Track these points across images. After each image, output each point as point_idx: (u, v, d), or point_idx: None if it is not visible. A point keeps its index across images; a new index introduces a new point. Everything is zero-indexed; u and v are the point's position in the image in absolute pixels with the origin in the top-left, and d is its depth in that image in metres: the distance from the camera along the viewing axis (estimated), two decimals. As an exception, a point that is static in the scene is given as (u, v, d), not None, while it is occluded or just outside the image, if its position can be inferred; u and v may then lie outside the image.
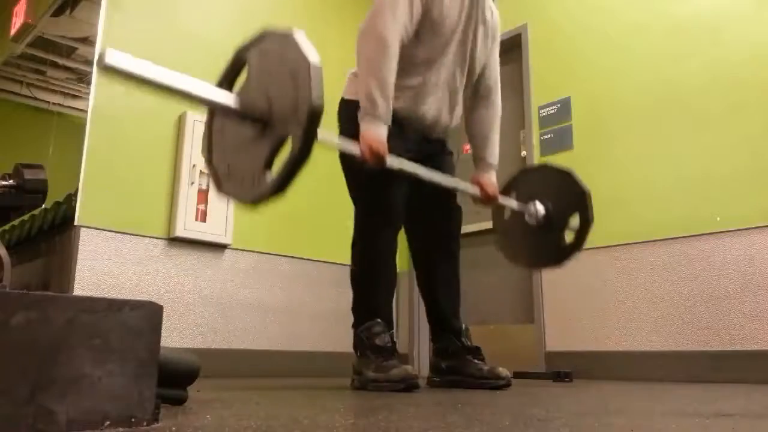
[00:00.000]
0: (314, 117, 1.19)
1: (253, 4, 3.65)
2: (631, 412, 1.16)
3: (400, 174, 1.86)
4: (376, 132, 1.80)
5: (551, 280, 3.29)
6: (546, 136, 3.47)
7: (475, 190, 2.13)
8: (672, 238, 2.88)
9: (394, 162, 1.80)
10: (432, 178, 1.93)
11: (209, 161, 1.47)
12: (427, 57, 1.99)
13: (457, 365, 2.05)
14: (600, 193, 3.26)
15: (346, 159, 1.98)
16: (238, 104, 1.30)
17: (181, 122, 3.13)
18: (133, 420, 0.69)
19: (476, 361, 2.04)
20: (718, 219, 2.75)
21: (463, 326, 2.13)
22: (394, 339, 1.95)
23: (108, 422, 0.66)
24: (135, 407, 0.69)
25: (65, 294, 1.60)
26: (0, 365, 0.61)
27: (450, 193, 2.17)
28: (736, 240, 2.69)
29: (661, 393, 1.77)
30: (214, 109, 1.48)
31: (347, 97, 2.09)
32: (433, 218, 2.17)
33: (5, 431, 0.59)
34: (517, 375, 2.65)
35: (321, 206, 3.62)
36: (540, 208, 2.24)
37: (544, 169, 2.47)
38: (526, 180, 2.40)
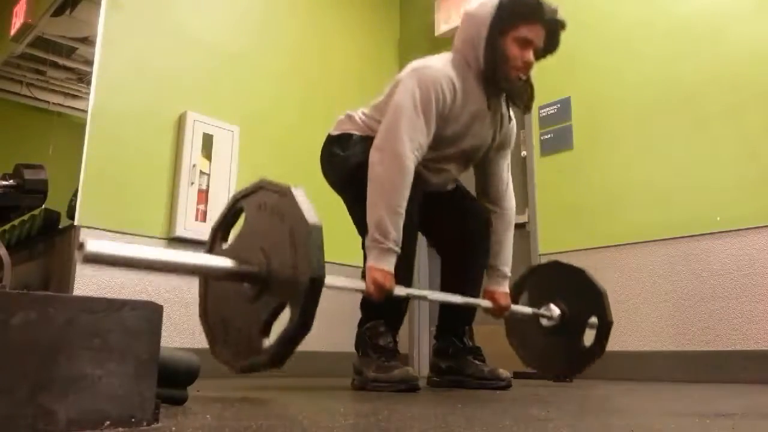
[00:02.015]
0: (315, 289, 1.15)
1: (253, 5, 3.64)
2: (631, 412, 1.16)
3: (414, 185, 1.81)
4: (384, 265, 1.71)
5: (551, 280, 3.28)
6: (546, 136, 3.47)
7: (487, 303, 2.07)
8: (672, 238, 2.88)
9: (401, 292, 1.72)
10: (442, 299, 1.94)
11: (204, 319, 1.39)
12: (435, 157, 1.97)
13: (458, 365, 2.05)
14: (600, 193, 3.28)
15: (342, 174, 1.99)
16: (234, 263, 1.22)
17: (181, 122, 3.13)
18: (133, 420, 0.69)
19: (477, 361, 2.04)
20: (718, 219, 2.75)
21: (465, 326, 2.13)
22: (397, 340, 1.95)
23: (108, 422, 0.66)
24: (135, 407, 0.69)
25: (65, 294, 1.60)
26: (0, 365, 0.61)
27: (472, 196, 2.18)
28: (736, 240, 2.69)
29: (661, 393, 1.77)
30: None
31: (335, 133, 2.06)
32: (462, 219, 2.12)
33: (5, 431, 0.59)
34: (517, 375, 2.65)
35: (321, 206, 3.60)
36: (555, 309, 2.20)
37: (556, 266, 2.41)
38: (537, 279, 2.35)
